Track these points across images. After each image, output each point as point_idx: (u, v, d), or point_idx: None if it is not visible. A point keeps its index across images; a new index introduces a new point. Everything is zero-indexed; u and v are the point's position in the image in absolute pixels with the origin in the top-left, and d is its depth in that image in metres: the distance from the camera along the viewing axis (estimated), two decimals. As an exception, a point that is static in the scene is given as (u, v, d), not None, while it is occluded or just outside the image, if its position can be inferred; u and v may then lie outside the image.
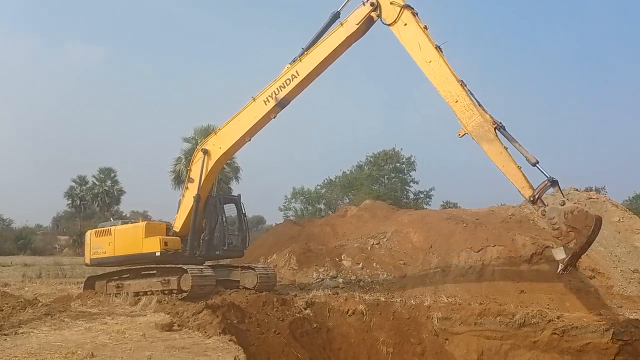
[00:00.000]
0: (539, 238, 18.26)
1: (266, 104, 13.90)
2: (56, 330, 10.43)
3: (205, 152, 14.99)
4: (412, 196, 45.48)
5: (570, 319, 14.20)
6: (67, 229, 62.27)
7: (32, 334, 10.01)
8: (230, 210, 16.50)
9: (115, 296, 14.72)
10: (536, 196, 10.57)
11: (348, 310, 14.65)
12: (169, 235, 15.39)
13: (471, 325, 14.44)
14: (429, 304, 15.06)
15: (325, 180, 47.28)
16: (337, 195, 45.73)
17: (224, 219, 15.79)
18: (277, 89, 13.73)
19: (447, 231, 19.55)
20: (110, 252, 15.76)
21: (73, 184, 57.37)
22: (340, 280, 18.56)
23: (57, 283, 19.83)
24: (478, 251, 18.06)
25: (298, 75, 13.47)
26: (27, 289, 17.93)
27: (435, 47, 11.47)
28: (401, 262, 19.65)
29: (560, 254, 10.42)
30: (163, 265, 14.76)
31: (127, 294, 14.71)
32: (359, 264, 19.56)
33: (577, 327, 13.93)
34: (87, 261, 16.70)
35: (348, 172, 46.39)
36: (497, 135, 10.75)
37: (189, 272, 13.85)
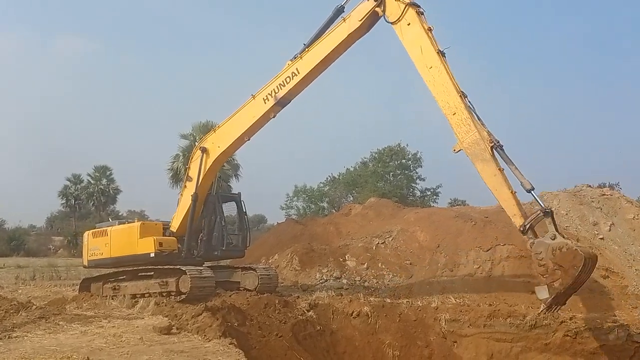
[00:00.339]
0: (551, 236, 18.20)
1: (265, 103, 13.80)
2: (51, 334, 10.43)
3: (204, 150, 14.99)
4: (418, 193, 45.41)
5: (584, 320, 14.16)
6: (61, 229, 62.49)
7: (26, 338, 10.01)
8: (230, 209, 16.52)
9: (112, 299, 14.75)
10: (527, 226, 10.23)
11: (352, 312, 14.65)
12: (165, 236, 15.43)
13: (480, 327, 14.41)
14: (437, 306, 15.05)
15: (328, 178, 47.25)
16: (340, 193, 45.70)
17: (223, 218, 15.82)
18: (276, 87, 13.62)
19: (455, 230, 19.53)
20: (107, 254, 15.83)
21: (67, 182, 57.71)
22: (345, 281, 18.57)
23: (51, 285, 19.91)
24: (487, 250, 18.02)
25: (298, 73, 13.33)
26: (20, 291, 18.00)
27: (438, 52, 11.15)
28: (407, 262, 19.64)
29: (543, 293, 10.08)
30: (161, 267, 14.80)
31: (124, 296, 14.76)
32: (364, 264, 19.56)
33: (590, 329, 13.89)
34: (85, 263, 16.83)
35: (352, 169, 46.37)
36: (493, 155, 10.40)
37: (187, 273, 13.88)
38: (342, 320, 14.54)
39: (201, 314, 11.39)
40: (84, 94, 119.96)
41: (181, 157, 32.93)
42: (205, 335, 10.32)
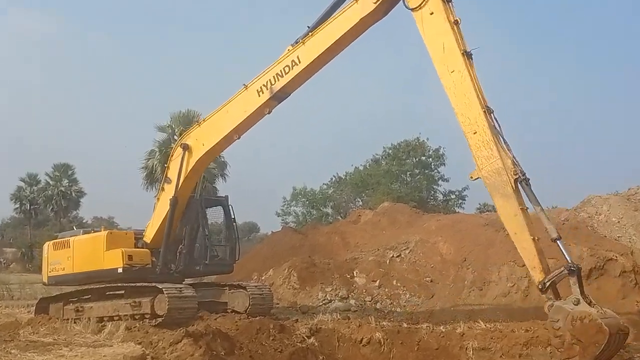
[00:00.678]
0: (599, 249, 18.19)
1: (259, 96, 13.68)
2: (1, 364, 10.46)
3: (186, 147, 14.93)
4: (441, 197, 45.51)
5: (639, 349, 14.14)
6: (14, 239, 62.61)
7: (-29, 369, 10.05)
8: (215, 215, 16.52)
9: (75, 322, 14.74)
10: (547, 283, 10.01)
11: (362, 339, 14.62)
12: (137, 247, 15.44)
13: (515, 357, 14.37)
14: (463, 331, 14.99)
15: (334, 178, 47.40)
16: (347, 196, 45.78)
17: (206, 226, 15.82)
18: (273, 77, 13.47)
19: (485, 240, 19.52)
20: (69, 269, 15.84)
21: (21, 184, 57.77)
22: (352, 301, 18.59)
23: (2, 306, 19.92)
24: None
25: (299, 62, 13.14)
26: (-35, 313, 18.03)
27: (463, 53, 10.78)
28: (428, 278, 19.65)
29: None
30: (133, 285, 14.81)
31: (89, 319, 14.76)
32: (376, 281, 19.58)
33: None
34: (45, 279, 16.86)
35: (361, 168, 46.47)
36: (516, 191, 10.15)
37: (164, 292, 13.88)
38: (350, 348, 14.51)
39: (181, 341, 11.39)
40: (41, 78, 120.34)
41: (157, 154, 32.98)
42: (185, 367, 10.31)
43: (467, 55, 10.83)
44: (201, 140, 14.84)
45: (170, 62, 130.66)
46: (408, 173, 44.51)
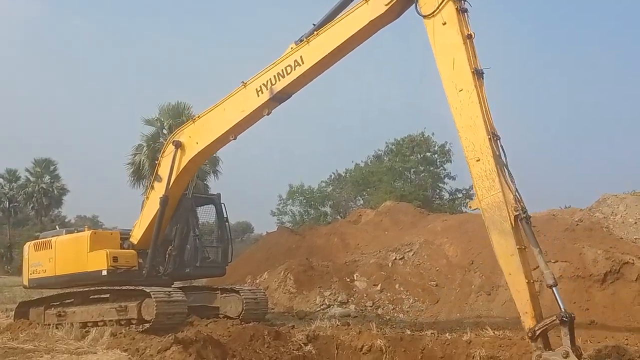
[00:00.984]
0: (615, 251, 18.20)
1: (258, 95, 13.54)
2: (-22, 372, 10.47)
3: (178, 145, 14.84)
4: (447, 196, 45.61)
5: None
6: (-8, 239, 62.54)
7: (-54, 378, 10.05)
8: (207, 214, 16.53)
9: (56, 328, 14.76)
10: (537, 331, 9.99)
11: (362, 346, 14.63)
12: (123, 248, 15.44)
13: (525, 367, 14.41)
14: (470, 339, 15.01)
15: (333, 175, 47.47)
16: (347, 194, 45.82)
17: (197, 225, 15.82)
18: (274, 76, 13.31)
19: (494, 242, 19.52)
20: (51, 271, 15.87)
21: (0, 180, 57.65)
22: (352, 307, 18.60)
23: (-21, 311, 19.92)
24: (534, 268, 17.94)
25: (302, 62, 12.94)
26: (-61, 318, 18.02)
27: (474, 72, 10.52)
28: (432, 283, 19.65)
29: None
30: (119, 288, 14.81)
31: (72, 324, 14.76)
32: (377, 285, 19.58)
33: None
34: (26, 282, 16.86)
35: (362, 165, 46.51)
36: (516, 228, 10.04)
37: (152, 296, 13.89)
38: (349, 356, 14.52)
39: (169, 348, 11.39)
40: (20, 66, 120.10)
41: (145, 149, 32.93)
42: (174, 376, 10.33)
43: (478, 73, 10.58)
44: (195, 138, 14.74)
45: (157, 52, 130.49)
46: (412, 170, 44.56)
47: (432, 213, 28.05)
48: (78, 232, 16.26)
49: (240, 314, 15.34)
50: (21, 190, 56.76)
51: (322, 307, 18.63)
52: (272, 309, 17.84)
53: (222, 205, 16.41)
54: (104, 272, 14.76)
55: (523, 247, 10.10)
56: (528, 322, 10.13)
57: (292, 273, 20.02)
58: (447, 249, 20.72)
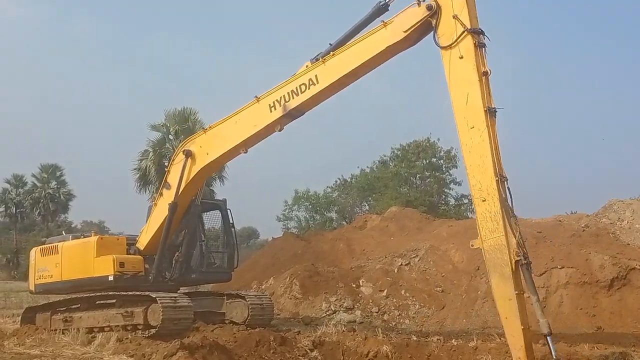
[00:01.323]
0: (622, 257, 18.16)
1: (271, 111, 13.46)
2: (-15, 377, 10.49)
3: (189, 154, 14.78)
4: (452, 202, 45.51)
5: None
6: (-1, 244, 62.73)
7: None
8: (212, 219, 16.55)
9: (63, 333, 14.78)
10: None
11: (368, 352, 14.61)
12: (130, 254, 15.47)
13: (532, 373, 14.36)
14: (476, 345, 14.97)
15: (338, 181, 47.41)
16: (353, 200, 45.80)
17: (203, 231, 15.84)
18: (288, 93, 13.21)
19: (500, 248, 19.49)
20: (58, 276, 15.89)
21: (7, 185, 57.84)
22: (358, 312, 18.58)
23: (-15, 316, 19.99)
24: (541, 275, 17.97)
25: (317, 82, 12.82)
26: (-54, 324, 18.08)
27: (487, 110, 10.39)
28: (438, 288, 19.62)
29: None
30: (125, 293, 14.84)
31: (78, 330, 14.78)
32: (383, 291, 19.56)
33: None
34: (32, 287, 16.88)
35: (368, 170, 46.46)
36: (516, 273, 10.03)
37: (158, 301, 13.90)
38: (355, 362, 14.52)
39: (175, 354, 11.41)
40: (27, 69, 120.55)
41: (151, 154, 32.98)
42: (180, 381, 10.34)
43: (491, 112, 10.47)
44: (205, 148, 14.67)
45: (165, 51, 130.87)
46: (417, 176, 44.51)
47: (438, 219, 27.98)
48: (84, 237, 16.29)
49: (246, 319, 15.35)
50: (28, 195, 56.83)
51: (327, 313, 18.61)
52: (278, 314, 17.83)
53: (228, 210, 16.43)
54: (111, 278, 14.77)
55: (521, 292, 10.06)
56: None
57: (297, 279, 20.02)
58: (453, 255, 20.69)
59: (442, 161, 44.30)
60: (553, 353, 10.07)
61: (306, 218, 45.64)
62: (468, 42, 10.61)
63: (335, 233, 27.20)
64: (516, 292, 9.94)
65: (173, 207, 14.87)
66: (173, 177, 15.08)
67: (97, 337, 13.96)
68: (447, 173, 44.57)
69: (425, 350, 14.74)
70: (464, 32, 10.62)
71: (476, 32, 10.65)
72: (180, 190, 14.82)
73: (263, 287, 20.91)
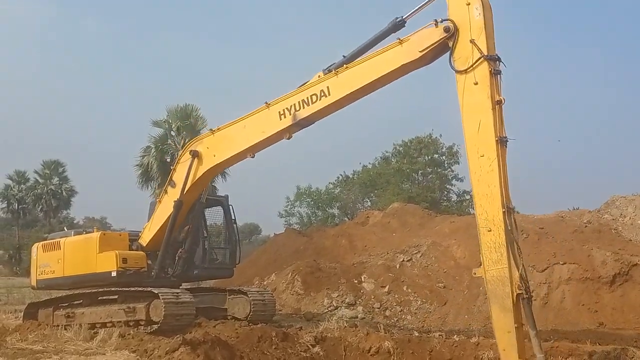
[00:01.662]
0: (625, 253, 18.18)
1: (281, 119, 13.34)
2: (-12, 373, 10.52)
3: (195, 154, 14.70)
4: (454, 198, 45.49)
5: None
6: (1, 240, 62.86)
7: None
8: (214, 216, 16.55)
9: (65, 329, 14.78)
10: None
11: (370, 348, 14.63)
12: (132, 250, 15.50)
13: (533, 369, 14.36)
14: (478, 341, 14.99)
15: (340, 177, 47.40)
16: (355, 196, 45.80)
17: (205, 227, 15.85)
18: (298, 103, 13.08)
19: (502, 244, 19.51)
20: (60, 272, 15.90)
21: (9, 181, 57.90)
22: (360, 308, 18.60)
23: (-12, 312, 20.01)
24: (543, 270, 18.01)
25: (328, 94, 12.67)
26: (-52, 319, 18.10)
27: (498, 140, 10.29)
28: (440, 284, 19.63)
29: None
30: (127, 289, 14.86)
31: (80, 326, 14.79)
32: (385, 287, 19.56)
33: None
34: (34, 283, 16.89)
35: (370, 166, 46.46)
36: (516, 306, 10.00)
37: (160, 297, 13.91)
38: (357, 358, 14.53)
39: (178, 350, 11.42)
40: (32, 69, 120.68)
41: (153, 150, 32.98)
42: (182, 377, 10.35)
43: (502, 142, 10.36)
44: (213, 150, 14.60)
45: (168, 49, 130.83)
46: (420, 172, 44.48)
47: (440, 215, 27.98)
48: (87, 233, 16.31)
49: (248, 315, 15.36)
50: (30, 191, 56.87)
51: (329, 309, 18.63)
52: (280, 310, 17.85)
53: (230, 207, 16.43)
54: (114, 274, 14.78)
55: (521, 325, 10.05)
56: None
57: (299, 275, 20.03)
58: (454, 251, 20.70)
59: (444, 157, 44.28)
60: None
61: (308, 214, 45.66)
62: (484, 68, 10.44)
63: (337, 229, 27.22)
64: (515, 325, 9.93)
65: (178, 204, 14.84)
66: (179, 176, 15.02)
67: (100, 333, 13.95)
68: (449, 169, 44.58)
69: (427, 346, 14.77)
70: (480, 58, 10.46)
71: (493, 59, 10.47)
72: (186, 189, 14.78)
73: (265, 283, 20.92)
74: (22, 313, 17.03)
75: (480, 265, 10.47)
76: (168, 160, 31.69)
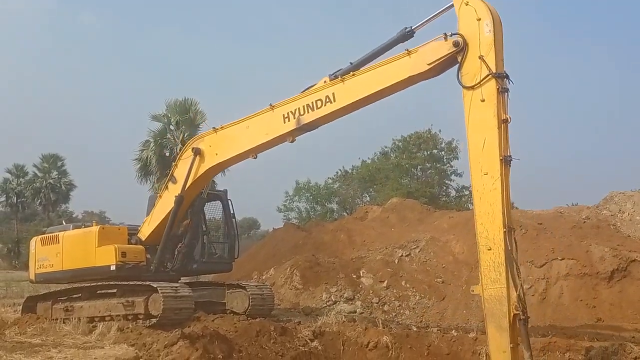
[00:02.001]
0: (623, 249, 18.19)
1: (285, 122, 13.28)
2: (-14, 366, 10.53)
3: (197, 152, 14.67)
4: (453, 193, 45.52)
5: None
6: (0, 234, 62.81)
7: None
8: (213, 210, 16.55)
9: (64, 322, 14.82)
10: None
11: (368, 342, 14.66)
12: (131, 244, 15.50)
13: (531, 364, 14.39)
14: (476, 336, 15.02)
15: (339, 172, 47.41)
16: (354, 191, 45.82)
17: (204, 221, 15.86)
18: (303, 107, 13.01)
19: (500, 239, 19.53)
20: (58, 266, 15.89)
21: (8, 175, 57.92)
22: (359, 303, 18.60)
23: (-14, 305, 20.01)
24: (541, 266, 18.03)
25: (334, 100, 12.59)
26: (-53, 312, 18.11)
27: (502, 159, 10.21)
28: (439, 279, 19.65)
29: None
30: (126, 283, 14.87)
31: (79, 319, 14.83)
32: (383, 282, 19.57)
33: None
34: (32, 277, 16.88)
35: (369, 161, 46.44)
36: (512, 326, 9.97)
37: (159, 291, 13.92)
38: (355, 352, 14.55)
39: (176, 343, 11.44)
40: (29, 61, 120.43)
41: (152, 144, 32.95)
42: (181, 370, 10.37)
43: (506, 161, 10.29)
44: (215, 149, 14.56)
45: (169, 45, 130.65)
46: (419, 167, 44.51)
47: (439, 210, 27.97)
48: (85, 227, 16.30)
49: (247, 309, 15.37)
50: (29, 185, 56.86)
51: (328, 304, 18.63)
52: (278, 305, 17.85)
53: (229, 201, 16.43)
54: (113, 267, 14.78)
55: (517, 345, 10.01)
56: None
57: (298, 269, 20.04)
58: (453, 246, 20.71)
59: (443, 152, 44.30)
60: None
61: (307, 209, 45.66)
62: (491, 86, 10.34)
63: (336, 224, 27.21)
64: (511, 345, 9.91)
65: (179, 200, 14.83)
66: (180, 172, 14.98)
67: (98, 327, 14.00)
68: (448, 164, 44.60)
69: (425, 341, 14.80)
70: (488, 75, 10.36)
71: (501, 77, 10.37)
72: (187, 185, 14.77)
73: (264, 277, 20.92)
74: (21, 306, 17.04)
75: (479, 283, 10.39)
76: (167, 154, 31.70)
